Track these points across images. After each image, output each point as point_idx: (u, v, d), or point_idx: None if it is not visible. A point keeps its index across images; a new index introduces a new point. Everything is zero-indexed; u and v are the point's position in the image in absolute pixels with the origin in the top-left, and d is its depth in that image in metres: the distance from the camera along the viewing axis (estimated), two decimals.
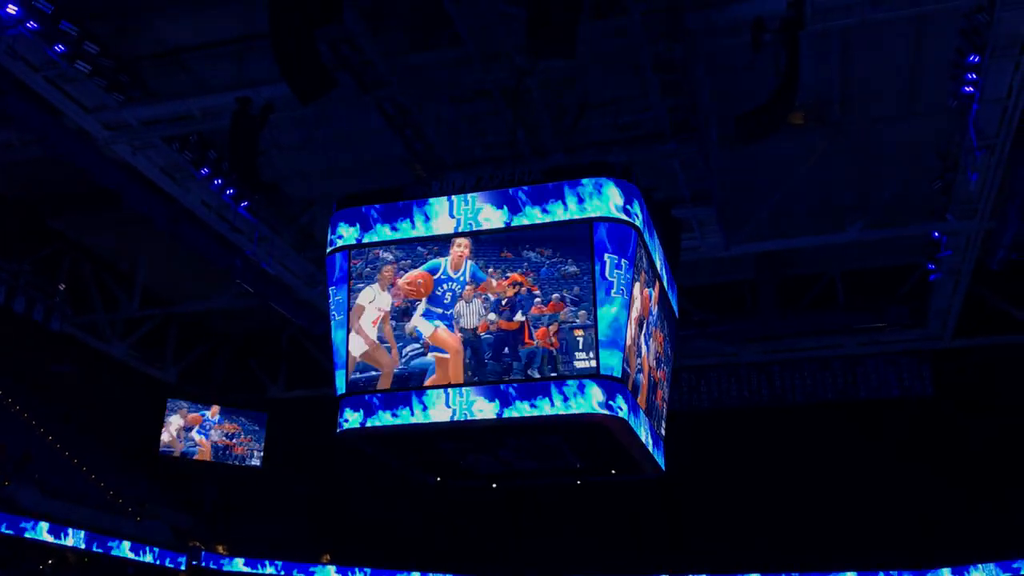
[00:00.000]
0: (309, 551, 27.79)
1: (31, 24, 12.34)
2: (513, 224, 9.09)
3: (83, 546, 22.65)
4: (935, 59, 13.91)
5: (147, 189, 16.39)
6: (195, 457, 27.09)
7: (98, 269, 23.03)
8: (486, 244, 9.20)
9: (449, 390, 9.03)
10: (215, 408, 27.38)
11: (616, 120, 14.35)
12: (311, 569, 27.30)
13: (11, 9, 12.08)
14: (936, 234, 17.12)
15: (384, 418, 9.27)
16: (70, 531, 22.24)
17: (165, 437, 26.73)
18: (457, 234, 9.23)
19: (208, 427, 27.29)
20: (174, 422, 26.80)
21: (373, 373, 9.43)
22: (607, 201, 8.83)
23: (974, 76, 12.62)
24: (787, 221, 17.50)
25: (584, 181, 8.94)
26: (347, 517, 28.46)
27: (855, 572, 24.62)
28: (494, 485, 11.88)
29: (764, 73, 11.94)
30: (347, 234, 9.72)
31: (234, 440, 27.52)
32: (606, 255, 8.71)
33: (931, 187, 15.57)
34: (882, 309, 20.56)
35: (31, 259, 21.19)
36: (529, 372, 8.82)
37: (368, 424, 9.32)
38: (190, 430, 27.05)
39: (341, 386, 9.55)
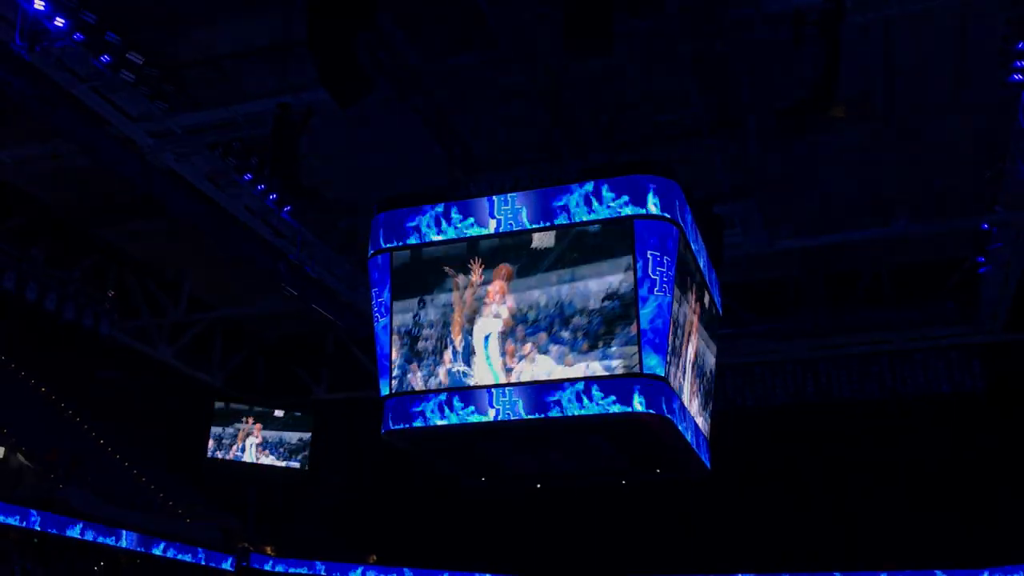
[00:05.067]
0: (355, 552, 27.99)
1: (77, 36, 12.60)
2: (553, 223, 9.07)
3: (134, 548, 23.04)
4: (982, 47, 13.61)
5: (191, 195, 16.62)
6: (242, 459, 27.41)
7: (144, 276, 23.41)
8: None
9: (493, 390, 9.04)
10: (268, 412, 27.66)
11: (655, 117, 14.27)
12: (357, 569, 27.47)
13: (58, 22, 12.34)
14: (985, 226, 16.80)
15: (428, 419, 9.31)
16: (121, 533, 22.62)
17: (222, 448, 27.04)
18: (498, 234, 9.24)
19: (258, 431, 27.62)
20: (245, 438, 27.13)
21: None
22: (648, 198, 8.77)
23: (1023, 64, 12.34)
24: (831, 216, 17.27)
25: (624, 179, 8.89)
26: (392, 517, 28.63)
27: (901, 571, 24.16)
28: (538, 485, 11.88)
29: (805, 66, 11.80)
30: (388, 236, 9.77)
31: (281, 442, 27.81)
32: (648, 253, 8.65)
33: (979, 178, 15.26)
34: (930, 303, 20.21)
35: (80, 267, 21.61)
36: (572, 372, 8.79)
37: (412, 425, 9.37)
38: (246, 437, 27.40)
39: (385, 387, 9.61)
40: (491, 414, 8.96)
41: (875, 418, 24.40)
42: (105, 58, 12.99)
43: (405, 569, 27.44)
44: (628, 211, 8.74)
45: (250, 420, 27.37)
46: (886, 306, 20.45)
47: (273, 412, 27.60)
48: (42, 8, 12.14)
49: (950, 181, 16.21)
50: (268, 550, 27.35)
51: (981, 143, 14.98)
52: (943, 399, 22.69)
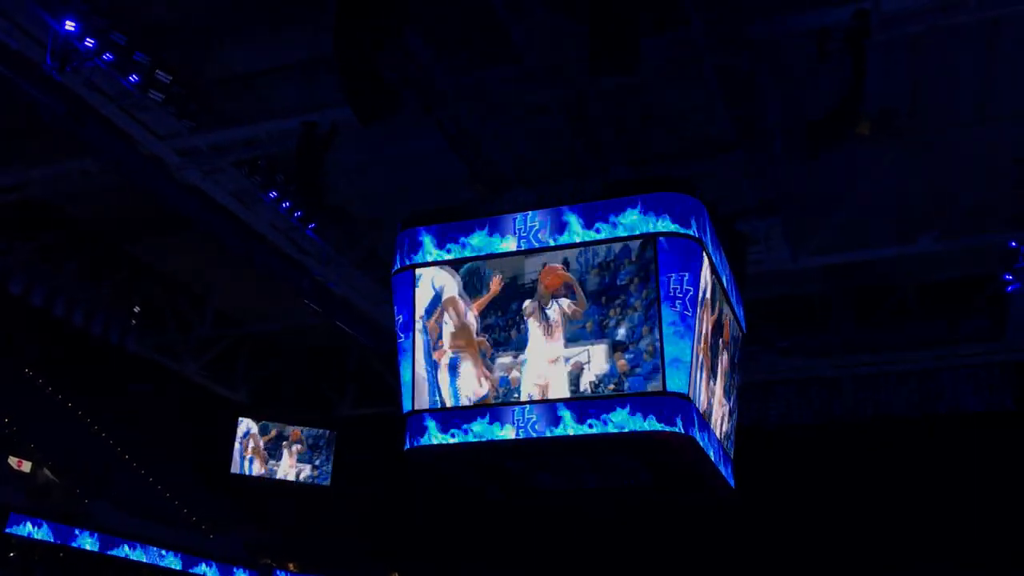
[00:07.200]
0: (377, 568, 27.96)
1: (107, 56, 12.78)
2: (576, 240, 9.06)
3: (157, 562, 23.15)
4: (1010, 62, 13.49)
5: (217, 213, 16.77)
6: (266, 476, 27.41)
7: (171, 292, 23.64)
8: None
9: (515, 407, 9.02)
10: (293, 430, 27.61)
11: (679, 132, 14.23)
12: None
13: (88, 42, 12.53)
14: (1013, 243, 16.59)
15: (451, 436, 9.30)
16: (146, 547, 22.74)
17: (247, 463, 26.91)
18: (522, 251, 9.24)
19: (282, 447, 27.60)
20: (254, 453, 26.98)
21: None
22: (671, 215, 8.75)
23: None
24: (857, 232, 17.12)
25: (647, 195, 8.87)
26: (414, 533, 28.59)
27: None
28: (563, 503, 11.82)
29: (830, 82, 11.73)
30: (412, 253, 9.80)
31: (305, 457, 27.82)
32: (671, 270, 8.62)
33: (1008, 194, 15.09)
34: (959, 321, 19.96)
35: (108, 283, 21.83)
36: (596, 389, 8.76)
37: (434, 442, 9.36)
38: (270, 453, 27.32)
39: (407, 404, 9.61)
40: (513, 432, 8.94)
41: (902, 437, 24.09)
42: (133, 77, 13.17)
43: None
44: (651, 228, 8.72)
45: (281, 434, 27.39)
46: (913, 323, 20.23)
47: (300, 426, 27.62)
48: (72, 29, 12.34)
49: (978, 197, 16.03)
50: (291, 566, 27.39)
51: (1010, 158, 14.81)
52: (972, 418, 22.37)
